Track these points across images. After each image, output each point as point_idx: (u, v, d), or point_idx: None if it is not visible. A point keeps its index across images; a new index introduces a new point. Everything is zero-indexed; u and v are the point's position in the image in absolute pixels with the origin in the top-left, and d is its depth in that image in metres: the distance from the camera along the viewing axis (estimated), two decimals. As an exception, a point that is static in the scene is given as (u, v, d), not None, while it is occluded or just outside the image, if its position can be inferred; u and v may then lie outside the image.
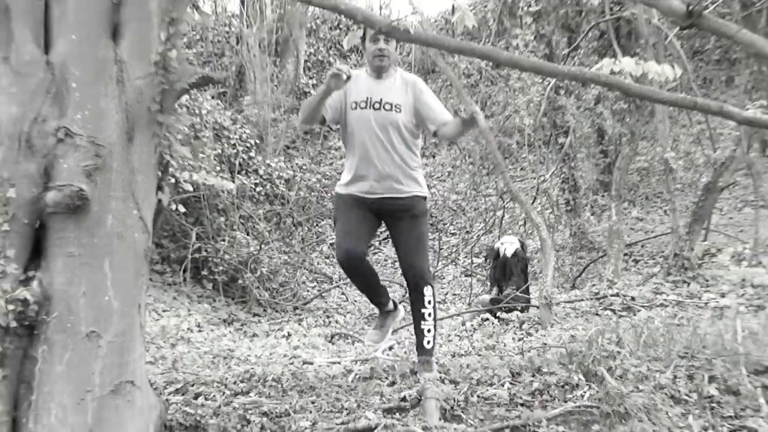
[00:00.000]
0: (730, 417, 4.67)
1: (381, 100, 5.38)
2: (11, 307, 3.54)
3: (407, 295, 5.78)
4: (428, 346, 5.47)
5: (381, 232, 17.54)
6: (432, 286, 5.48)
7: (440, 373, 5.60)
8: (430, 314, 5.47)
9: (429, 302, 5.45)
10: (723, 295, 8.80)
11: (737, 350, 5.24)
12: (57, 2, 3.73)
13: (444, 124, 5.37)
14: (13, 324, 3.55)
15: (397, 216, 5.57)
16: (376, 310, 6.01)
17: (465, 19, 4.64)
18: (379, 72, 5.45)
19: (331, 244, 15.99)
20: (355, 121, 5.42)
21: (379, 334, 5.78)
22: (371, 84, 5.46)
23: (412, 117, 5.45)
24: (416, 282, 5.46)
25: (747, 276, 9.27)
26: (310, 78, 21.04)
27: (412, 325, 5.68)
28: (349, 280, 5.87)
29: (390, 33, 4.30)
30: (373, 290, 5.72)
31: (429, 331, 5.47)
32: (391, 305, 5.86)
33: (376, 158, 5.40)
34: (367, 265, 5.57)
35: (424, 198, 5.68)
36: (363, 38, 5.45)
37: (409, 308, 5.79)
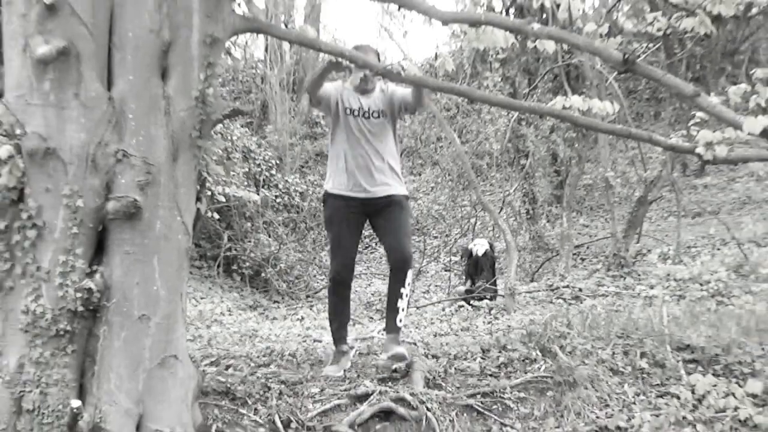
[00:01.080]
0: (658, 385, 4.69)
1: (369, 109, 5.06)
2: (79, 294, 3.54)
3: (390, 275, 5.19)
4: (399, 324, 5.07)
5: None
6: (413, 270, 5.20)
7: (424, 350, 5.58)
8: (406, 294, 5.03)
9: (408, 284, 5.02)
10: (652, 287, 8.86)
11: (663, 331, 5.26)
12: (118, 49, 3.73)
13: (410, 95, 5.03)
14: (80, 308, 3.55)
15: (384, 209, 5.10)
16: (333, 347, 5.31)
17: (445, 64, 4.66)
18: (363, 92, 5.09)
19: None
20: (350, 126, 5.06)
21: (337, 368, 5.04)
22: (360, 97, 5.10)
23: (393, 112, 5.16)
24: (401, 264, 5.00)
25: (671, 272, 9.33)
26: (322, 113, 21.02)
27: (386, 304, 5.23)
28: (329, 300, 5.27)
29: (386, 74, 4.30)
30: (344, 323, 5.25)
31: (402, 310, 5.02)
32: (347, 347, 5.25)
33: (369, 159, 5.05)
34: (349, 296, 5.28)
35: (407, 197, 5.28)
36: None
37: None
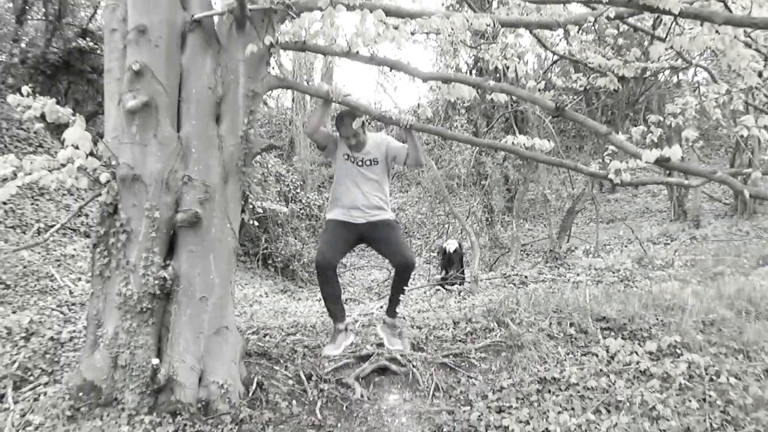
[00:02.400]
0: (582, 346, 4.71)
1: (363, 159, 4.41)
2: (156, 282, 3.58)
3: (392, 275, 4.77)
4: (397, 310, 4.63)
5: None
6: (414, 268, 4.52)
7: (410, 322, 5.60)
8: (406, 288, 4.55)
9: (409, 282, 4.54)
10: (578, 275, 8.89)
11: (586, 307, 5.28)
12: (184, 102, 3.78)
13: (408, 153, 4.48)
14: (158, 292, 3.59)
15: (375, 230, 4.46)
16: (332, 325, 4.68)
17: (426, 112, 4.70)
18: (355, 150, 4.45)
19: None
20: (347, 169, 4.44)
21: (334, 347, 4.46)
22: (353, 151, 4.47)
23: (386, 162, 4.51)
24: (406, 267, 4.35)
25: (592, 263, 9.36)
26: (323, 152, 21.05)
27: (389, 295, 4.67)
28: (320, 284, 4.48)
29: (381, 118, 4.32)
30: (335, 298, 4.44)
31: (401, 301, 4.58)
32: (343, 326, 4.55)
33: (361, 197, 4.40)
34: (336, 277, 4.44)
35: (394, 220, 4.61)
36: (337, 130, 4.48)
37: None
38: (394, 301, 4.61)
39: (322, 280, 4.35)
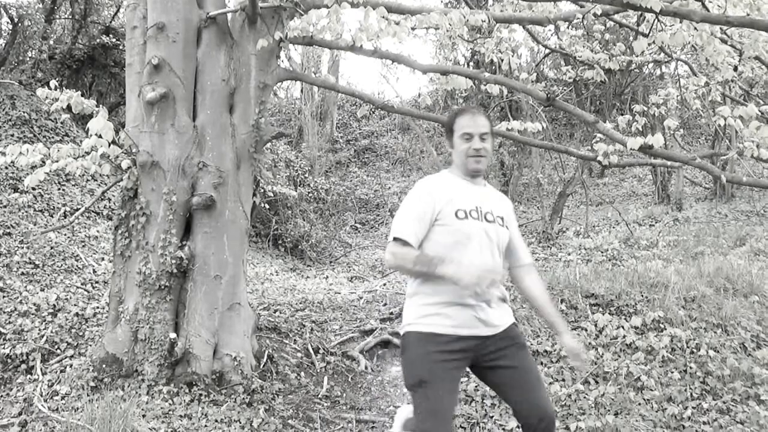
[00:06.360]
0: (573, 321, 4.72)
1: (492, 211, 2.41)
2: (174, 261, 3.59)
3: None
4: None
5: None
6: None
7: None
8: None
9: None
10: (569, 254, 8.89)
11: (576, 284, 5.28)
12: (200, 93, 3.78)
13: (521, 266, 2.62)
14: (175, 270, 3.61)
15: (498, 351, 2.34)
16: None
17: (426, 100, 4.67)
18: (474, 175, 2.43)
19: (353, 226, 15.84)
20: (464, 233, 2.31)
21: None
22: (470, 189, 2.42)
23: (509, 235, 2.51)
24: (547, 426, 2.28)
25: (582, 243, 9.35)
26: (339, 134, 21.02)
27: None
28: None
29: (384, 107, 4.31)
30: None
31: None
32: None
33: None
34: None
35: (515, 324, 2.48)
36: (450, 133, 2.45)
37: None
38: None
39: None
